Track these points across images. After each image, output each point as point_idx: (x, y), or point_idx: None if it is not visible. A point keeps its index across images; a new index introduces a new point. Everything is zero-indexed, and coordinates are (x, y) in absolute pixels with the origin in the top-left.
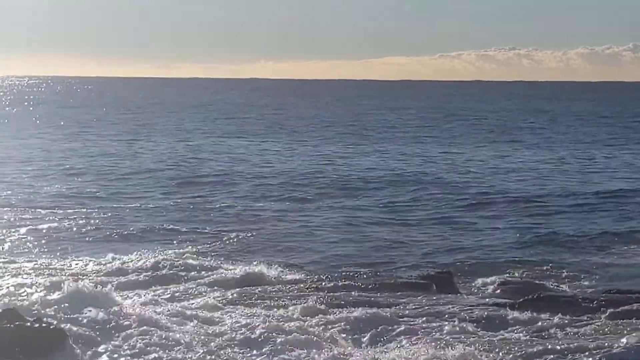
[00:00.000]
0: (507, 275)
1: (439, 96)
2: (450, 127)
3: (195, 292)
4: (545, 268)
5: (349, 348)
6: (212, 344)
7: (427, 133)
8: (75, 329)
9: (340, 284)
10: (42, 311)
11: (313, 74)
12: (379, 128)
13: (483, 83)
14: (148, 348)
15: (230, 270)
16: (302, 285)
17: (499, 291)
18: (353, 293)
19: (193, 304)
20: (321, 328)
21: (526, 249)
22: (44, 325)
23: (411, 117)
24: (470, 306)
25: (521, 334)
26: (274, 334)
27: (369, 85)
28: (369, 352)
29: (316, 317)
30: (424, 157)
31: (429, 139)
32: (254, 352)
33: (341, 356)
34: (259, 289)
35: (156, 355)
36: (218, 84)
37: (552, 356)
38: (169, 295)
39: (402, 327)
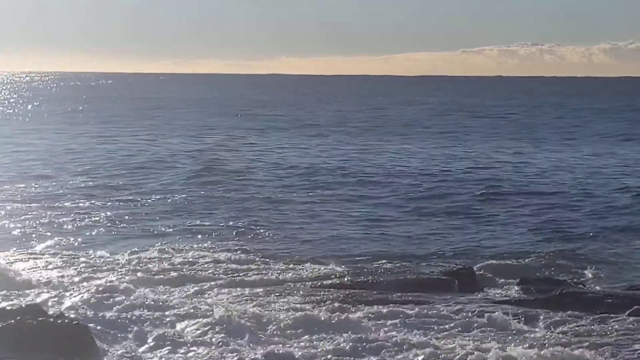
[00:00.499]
0: (528, 270)
1: (460, 92)
2: (472, 123)
3: (216, 289)
4: (565, 263)
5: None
6: (244, 340)
7: (448, 129)
8: (98, 325)
9: (362, 280)
10: (66, 307)
11: (335, 70)
12: (400, 124)
13: (505, 79)
14: (172, 342)
15: (251, 266)
16: (324, 282)
17: (521, 287)
18: (376, 290)
19: (215, 299)
20: (347, 325)
21: (546, 243)
22: (66, 321)
23: (432, 113)
24: (494, 303)
25: (549, 332)
26: (307, 328)
27: (391, 81)
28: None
29: (342, 314)
30: (445, 153)
31: (450, 135)
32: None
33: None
34: (280, 287)
35: (183, 352)
36: (238, 80)
37: (588, 353)
38: (193, 291)
39: (431, 326)
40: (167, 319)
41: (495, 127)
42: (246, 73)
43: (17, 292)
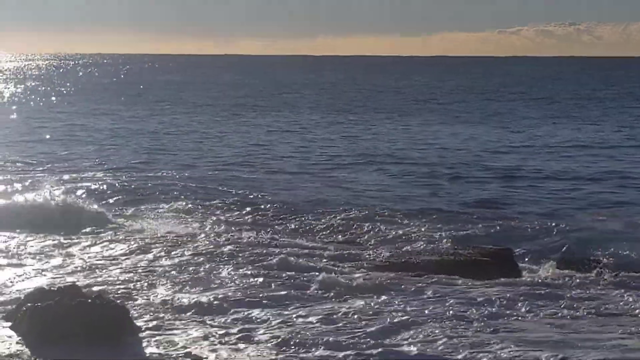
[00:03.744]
0: (561, 250)
1: (496, 72)
2: (511, 104)
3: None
4: (598, 241)
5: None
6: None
7: (483, 111)
8: (137, 306)
9: (399, 261)
10: (105, 287)
11: (372, 50)
12: (432, 105)
13: (542, 59)
14: (210, 326)
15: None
16: (356, 263)
17: (558, 269)
18: (413, 272)
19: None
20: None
21: (575, 221)
22: (104, 302)
23: (466, 93)
24: (537, 286)
25: (593, 311)
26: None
27: (428, 61)
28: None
29: (386, 299)
30: (476, 134)
31: (481, 116)
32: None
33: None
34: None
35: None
36: (278, 61)
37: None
38: (238, 273)
39: (481, 310)
40: (211, 300)
41: (527, 108)
42: (285, 54)
43: (55, 272)
